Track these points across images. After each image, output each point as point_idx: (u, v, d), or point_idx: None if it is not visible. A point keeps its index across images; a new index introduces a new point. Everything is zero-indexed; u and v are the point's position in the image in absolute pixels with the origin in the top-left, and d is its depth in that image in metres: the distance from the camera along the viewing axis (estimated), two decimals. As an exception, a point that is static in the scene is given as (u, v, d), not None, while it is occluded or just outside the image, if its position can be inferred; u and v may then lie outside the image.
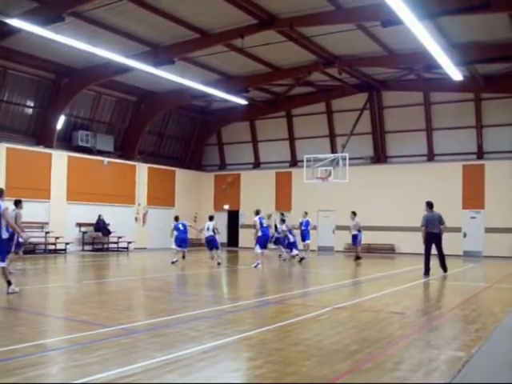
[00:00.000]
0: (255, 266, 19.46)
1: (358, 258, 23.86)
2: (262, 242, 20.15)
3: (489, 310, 10.72)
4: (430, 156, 30.95)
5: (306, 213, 24.93)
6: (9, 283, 11.73)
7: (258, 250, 19.96)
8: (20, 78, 26.66)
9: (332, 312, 9.94)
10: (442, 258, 17.35)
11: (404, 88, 30.28)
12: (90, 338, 7.46)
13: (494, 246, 27.73)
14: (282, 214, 25.33)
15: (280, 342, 7.34)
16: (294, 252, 23.08)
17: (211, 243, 20.97)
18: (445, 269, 17.38)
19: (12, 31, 20.46)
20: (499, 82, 27.23)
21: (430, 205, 17.47)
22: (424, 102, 30.55)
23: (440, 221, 17.14)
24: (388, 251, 30.52)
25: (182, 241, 21.62)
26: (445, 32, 21.68)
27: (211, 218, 21.44)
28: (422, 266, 17.44)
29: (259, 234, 20.14)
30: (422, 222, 17.22)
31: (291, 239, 23.14)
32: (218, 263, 20.31)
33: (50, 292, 13.39)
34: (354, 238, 24.15)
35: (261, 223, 20.21)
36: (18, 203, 15.45)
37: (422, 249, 17.59)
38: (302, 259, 22.77)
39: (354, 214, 24.43)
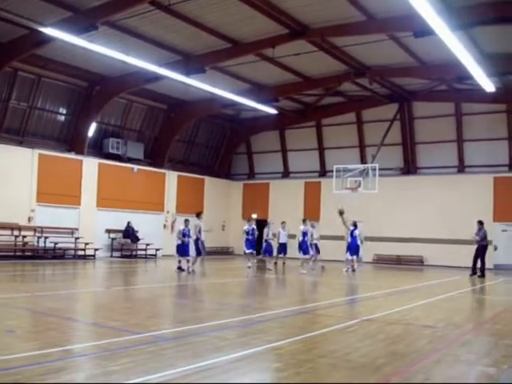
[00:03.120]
0: (346, 271, 22.79)
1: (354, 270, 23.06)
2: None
3: (521, 326, 10.53)
4: (461, 167, 30.60)
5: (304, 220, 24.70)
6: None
7: (348, 256, 23.17)
8: (53, 86, 27.06)
9: (360, 324, 9.86)
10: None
11: (435, 99, 29.99)
12: (119, 344, 7.50)
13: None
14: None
15: (308, 353, 7.30)
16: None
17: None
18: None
19: (46, 40, 20.75)
20: (533, 93, 26.86)
21: (482, 223, 22.35)
22: (455, 112, 30.24)
23: None
24: (417, 263, 30.19)
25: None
26: (477, 42, 21.47)
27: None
28: (452, 278, 17.44)
29: (349, 240, 23.16)
30: (483, 236, 21.88)
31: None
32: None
33: (79, 297, 13.51)
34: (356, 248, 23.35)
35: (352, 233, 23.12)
36: (198, 215, 20.76)
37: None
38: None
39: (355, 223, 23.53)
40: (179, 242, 20.41)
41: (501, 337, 9.25)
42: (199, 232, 20.62)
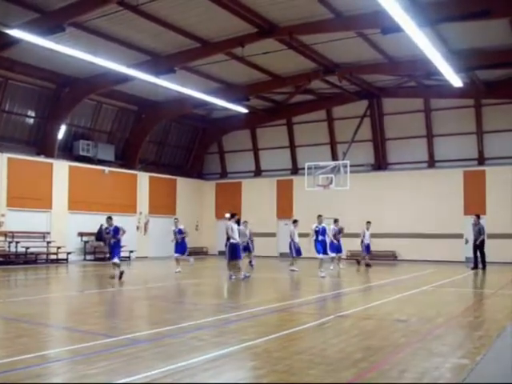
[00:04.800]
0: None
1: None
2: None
3: (492, 317, 10.70)
4: (431, 162, 30.96)
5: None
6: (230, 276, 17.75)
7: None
8: (21, 88, 26.72)
9: (335, 320, 9.93)
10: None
11: (404, 95, 30.32)
12: (94, 348, 7.44)
13: (497, 251, 27.63)
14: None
15: (284, 351, 7.33)
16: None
17: None
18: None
19: (13, 42, 20.49)
20: (499, 88, 27.30)
21: (479, 217, 23.89)
22: (424, 108, 30.60)
23: None
24: (390, 258, 30.46)
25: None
26: (445, 39, 21.75)
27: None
28: (424, 272, 18.23)
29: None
30: (483, 231, 23.24)
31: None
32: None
33: (52, 302, 13.37)
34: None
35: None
36: (232, 216, 18.53)
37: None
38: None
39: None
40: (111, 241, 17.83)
41: (473, 329, 9.40)
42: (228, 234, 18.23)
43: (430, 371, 6.33)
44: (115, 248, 17.85)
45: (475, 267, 23.07)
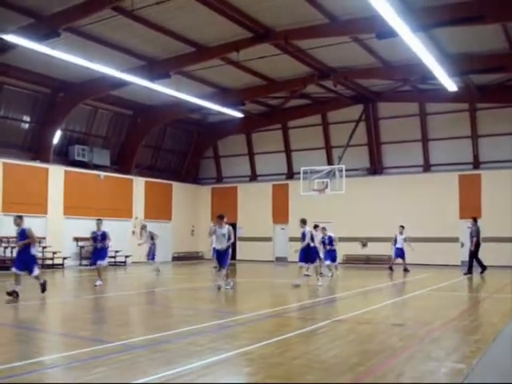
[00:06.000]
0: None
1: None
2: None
3: (488, 321, 10.72)
4: (426, 166, 31.03)
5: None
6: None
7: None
8: (16, 93, 26.69)
9: (331, 325, 9.92)
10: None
11: (399, 99, 30.38)
12: (90, 354, 7.42)
13: (492, 255, 27.67)
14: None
15: (280, 356, 7.32)
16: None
17: None
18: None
19: (8, 47, 20.48)
20: (494, 92, 27.43)
21: (476, 220, 23.03)
22: (419, 112, 30.68)
23: None
24: (386, 262, 30.39)
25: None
26: (439, 43, 21.82)
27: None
28: (420, 276, 18.07)
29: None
30: (478, 234, 22.45)
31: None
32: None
33: (48, 308, 13.33)
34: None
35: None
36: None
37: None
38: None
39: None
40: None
41: (468, 333, 9.41)
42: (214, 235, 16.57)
43: (426, 375, 6.34)
44: (25, 256, 13.96)
45: (482, 271, 22.57)
